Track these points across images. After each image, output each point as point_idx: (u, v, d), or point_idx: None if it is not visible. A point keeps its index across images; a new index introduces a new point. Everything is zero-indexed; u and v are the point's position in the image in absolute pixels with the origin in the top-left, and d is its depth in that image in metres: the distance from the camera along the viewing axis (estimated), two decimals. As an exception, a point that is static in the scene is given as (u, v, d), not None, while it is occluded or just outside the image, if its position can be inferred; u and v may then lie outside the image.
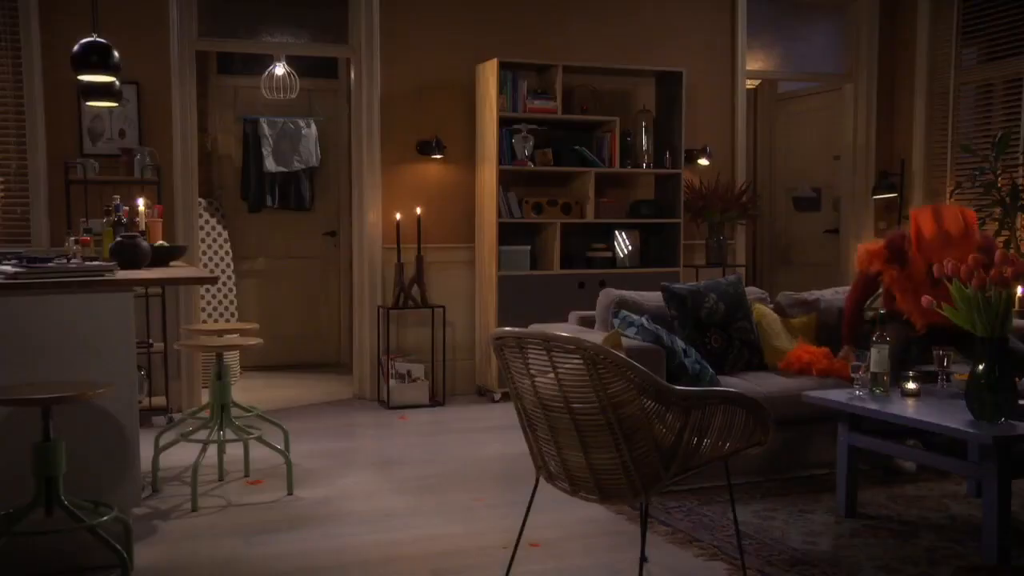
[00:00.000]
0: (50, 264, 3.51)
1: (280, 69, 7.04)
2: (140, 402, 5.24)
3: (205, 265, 6.71)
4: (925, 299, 3.49)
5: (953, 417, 3.34)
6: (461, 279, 6.45)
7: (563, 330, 3.90)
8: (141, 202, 4.62)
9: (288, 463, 4.20)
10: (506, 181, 6.26)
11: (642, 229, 6.62)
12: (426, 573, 3.26)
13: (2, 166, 5.60)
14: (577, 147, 6.42)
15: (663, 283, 4.59)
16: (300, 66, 7.13)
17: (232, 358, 6.77)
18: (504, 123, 6.18)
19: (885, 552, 3.35)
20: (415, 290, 6.12)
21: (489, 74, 6.13)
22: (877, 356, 3.69)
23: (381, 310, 6.23)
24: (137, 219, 4.51)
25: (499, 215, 6.14)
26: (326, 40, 6.29)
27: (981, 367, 3.24)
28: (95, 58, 4.39)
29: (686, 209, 6.65)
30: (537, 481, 3.04)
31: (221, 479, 4.39)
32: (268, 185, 7.36)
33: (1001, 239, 6.01)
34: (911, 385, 3.67)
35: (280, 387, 6.78)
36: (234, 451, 4.61)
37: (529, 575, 3.20)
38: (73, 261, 3.78)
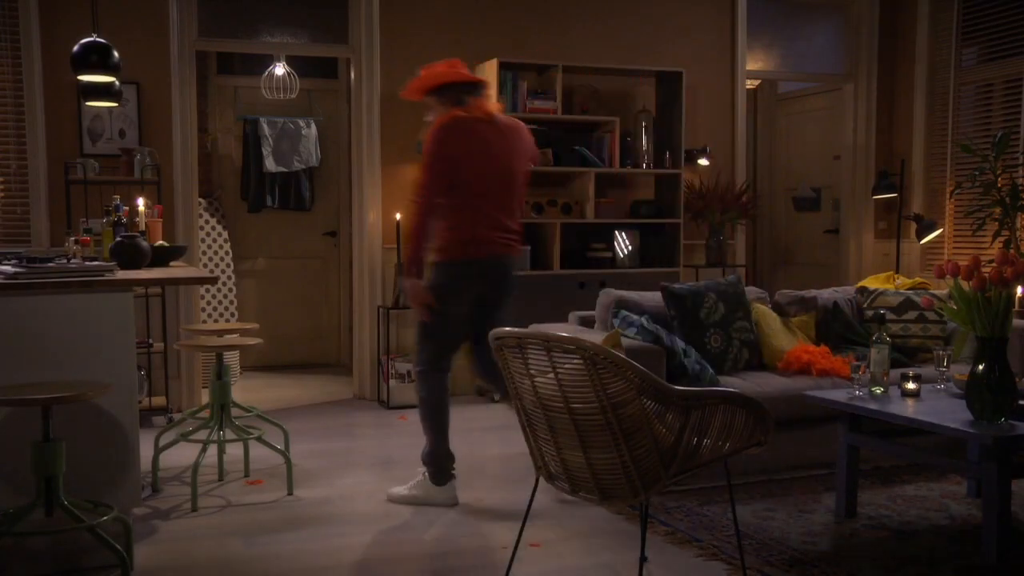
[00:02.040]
0: (50, 264, 3.51)
1: (280, 69, 7.05)
2: (140, 402, 5.24)
3: (205, 265, 6.71)
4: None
5: (953, 417, 3.34)
6: (461, 279, 6.44)
7: (563, 330, 3.90)
8: (141, 202, 4.62)
9: (288, 463, 4.20)
10: (506, 181, 6.25)
11: (642, 229, 6.62)
12: (426, 573, 3.26)
13: (2, 166, 5.60)
14: (577, 147, 6.41)
15: (663, 283, 4.59)
16: (300, 66, 7.13)
17: (232, 358, 6.77)
18: (504, 123, 6.17)
19: (885, 552, 3.35)
20: (415, 290, 6.12)
21: (489, 74, 6.13)
22: (877, 356, 3.69)
23: (381, 310, 6.23)
24: (137, 219, 4.51)
25: (499, 215, 6.13)
26: (326, 40, 6.29)
27: (981, 367, 3.24)
28: (95, 58, 4.40)
29: (686, 209, 6.65)
30: (537, 481, 3.04)
31: (221, 479, 4.39)
32: (268, 185, 7.36)
33: (1001, 239, 6.01)
34: (911, 385, 3.67)
35: (280, 387, 6.78)
36: (234, 451, 4.62)
37: (529, 575, 3.20)
38: (73, 261, 3.78)
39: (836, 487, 3.81)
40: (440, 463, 3.97)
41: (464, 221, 3.88)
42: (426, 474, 3.99)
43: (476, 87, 3.96)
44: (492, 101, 3.98)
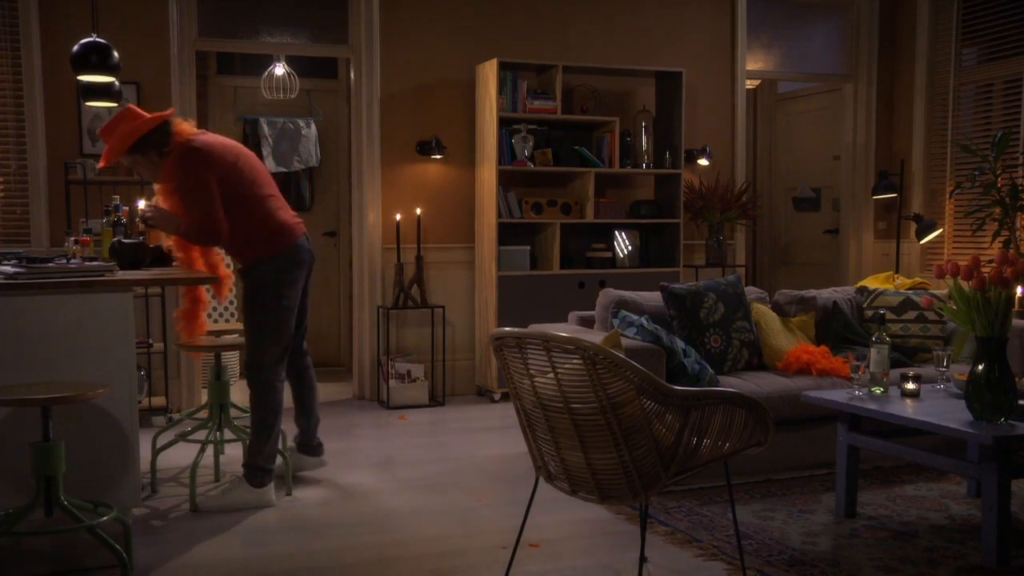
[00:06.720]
0: (50, 264, 3.51)
1: (280, 69, 7.04)
2: (140, 402, 5.24)
3: (205, 265, 6.70)
4: None
5: (953, 417, 3.34)
6: (461, 279, 6.46)
7: (563, 330, 3.90)
8: (141, 202, 4.62)
9: (287, 463, 4.20)
10: (506, 181, 6.26)
11: (642, 229, 6.63)
12: (426, 573, 3.26)
13: (2, 166, 5.60)
14: (577, 147, 6.42)
15: (662, 283, 4.59)
16: (300, 66, 7.13)
17: (231, 358, 6.77)
18: (504, 123, 6.18)
19: (885, 552, 3.35)
20: (415, 290, 6.13)
21: (489, 74, 6.13)
22: (877, 356, 3.69)
23: (381, 310, 6.24)
24: (137, 219, 4.51)
25: (499, 215, 6.14)
26: (326, 40, 6.29)
27: (981, 367, 3.24)
28: (95, 58, 4.40)
29: (686, 209, 6.65)
30: (537, 481, 3.04)
31: (217, 480, 4.38)
32: (268, 185, 7.34)
33: (1001, 239, 6.01)
34: (911, 385, 3.67)
35: (280, 387, 6.76)
36: (233, 451, 4.61)
37: (529, 575, 3.20)
38: (73, 261, 3.78)
39: (836, 487, 3.81)
40: (272, 466, 4.01)
41: None
42: (246, 477, 3.96)
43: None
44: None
